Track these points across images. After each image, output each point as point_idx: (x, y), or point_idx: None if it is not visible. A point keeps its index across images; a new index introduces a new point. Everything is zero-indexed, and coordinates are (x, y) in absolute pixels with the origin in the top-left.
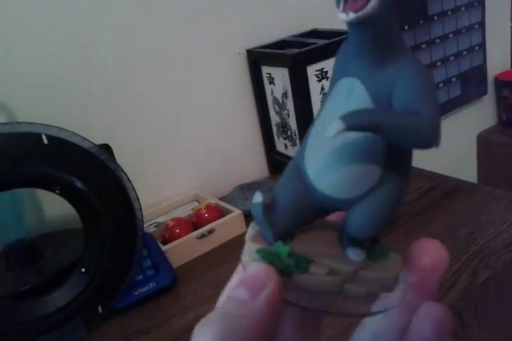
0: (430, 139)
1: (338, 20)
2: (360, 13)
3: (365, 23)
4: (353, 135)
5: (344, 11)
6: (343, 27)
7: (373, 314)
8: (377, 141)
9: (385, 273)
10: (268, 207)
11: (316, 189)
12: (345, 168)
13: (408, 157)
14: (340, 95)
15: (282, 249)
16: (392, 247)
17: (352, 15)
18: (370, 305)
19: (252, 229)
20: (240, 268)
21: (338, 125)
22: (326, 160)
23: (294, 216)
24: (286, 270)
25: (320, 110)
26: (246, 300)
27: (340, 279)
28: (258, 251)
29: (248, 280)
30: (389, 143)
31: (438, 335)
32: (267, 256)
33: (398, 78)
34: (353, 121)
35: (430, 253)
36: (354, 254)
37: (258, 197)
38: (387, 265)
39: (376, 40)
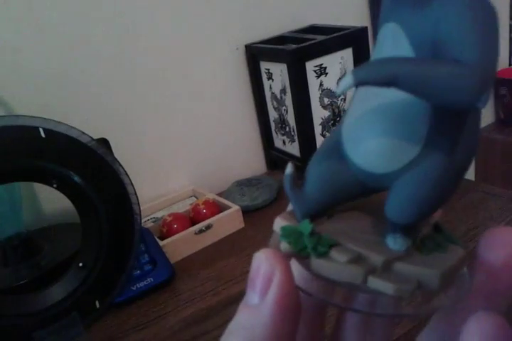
0: (473, 94)
1: (336, 16)
2: None
3: None
4: (391, 96)
5: None
6: (342, 23)
7: (404, 316)
8: (418, 104)
9: (427, 269)
10: (295, 180)
11: (352, 162)
12: (379, 136)
13: (461, 126)
14: (385, 44)
15: (305, 227)
16: (455, 239)
17: None
18: (404, 305)
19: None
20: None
21: (348, 79)
22: (361, 127)
23: (327, 192)
24: (302, 252)
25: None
26: (256, 305)
27: (363, 269)
28: (283, 228)
29: (253, 278)
30: (434, 107)
31: None
32: (288, 235)
33: (443, 15)
34: (363, 75)
35: (505, 245)
36: (394, 242)
37: (289, 168)
38: (438, 259)
39: None
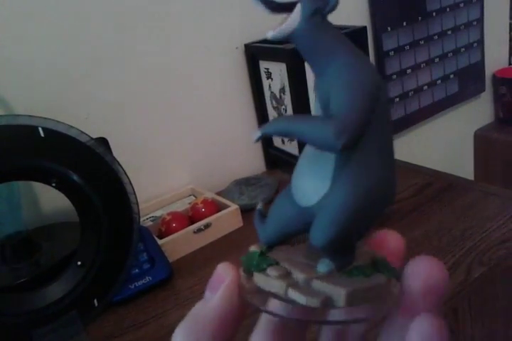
0: (330, 140)
1: (335, 16)
2: (277, 31)
3: (290, 38)
4: (309, 147)
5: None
6: (341, 22)
7: (320, 323)
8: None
9: (336, 287)
10: (262, 215)
11: (293, 199)
12: (304, 176)
13: (363, 160)
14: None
15: (255, 251)
16: (389, 271)
17: (270, 33)
18: (323, 315)
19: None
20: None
21: (256, 132)
22: (296, 170)
23: (279, 226)
24: (248, 269)
25: None
26: (207, 299)
27: (285, 283)
28: (249, 252)
29: (210, 281)
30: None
31: None
32: (246, 257)
33: (332, 83)
34: (266, 129)
35: (422, 273)
36: (321, 265)
37: (260, 205)
38: (354, 281)
39: (307, 51)
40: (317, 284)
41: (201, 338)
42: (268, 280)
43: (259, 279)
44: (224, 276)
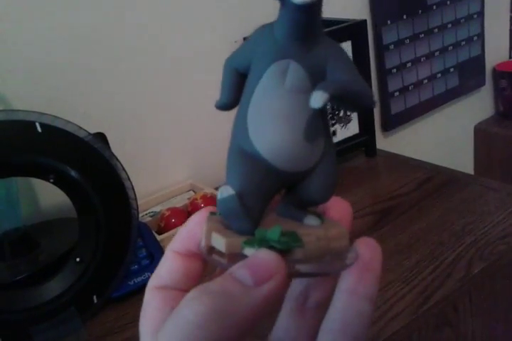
0: (372, 103)
1: (335, 9)
2: None
3: (313, 7)
4: (300, 109)
5: None
6: (341, 16)
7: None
8: (319, 113)
9: (340, 228)
10: (242, 197)
11: (274, 166)
12: (301, 143)
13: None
14: (273, 78)
15: (275, 231)
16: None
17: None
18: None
19: (207, 225)
20: (201, 211)
21: (323, 95)
22: (282, 139)
23: (262, 199)
24: (287, 248)
25: (246, 95)
26: (248, 286)
27: (324, 241)
28: (246, 243)
29: (255, 266)
30: (323, 111)
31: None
32: (260, 244)
33: (330, 54)
34: (332, 90)
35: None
36: (313, 220)
37: (227, 190)
38: (330, 224)
39: (314, 22)
40: (329, 233)
41: (234, 324)
42: (315, 245)
43: (304, 251)
44: (274, 269)
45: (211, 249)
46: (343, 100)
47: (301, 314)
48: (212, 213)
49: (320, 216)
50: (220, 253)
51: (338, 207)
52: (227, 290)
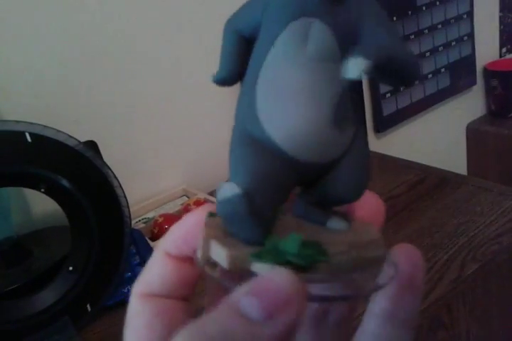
0: (419, 72)
1: None
2: None
3: None
4: (326, 83)
5: None
6: None
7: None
8: (351, 89)
9: (373, 233)
10: (251, 197)
11: (291, 156)
12: (326, 127)
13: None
14: (290, 43)
15: (294, 241)
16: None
17: None
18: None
19: (206, 231)
20: (198, 210)
21: (363, 62)
22: (302, 121)
23: (275, 199)
24: (311, 263)
25: (253, 66)
26: (257, 322)
27: (356, 251)
28: (255, 256)
29: (268, 294)
30: (354, 92)
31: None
32: (274, 257)
33: (364, 11)
34: (375, 57)
35: (364, 205)
36: (339, 223)
37: (231, 188)
38: (360, 228)
39: None
40: (359, 239)
41: None
42: (346, 258)
43: (333, 264)
44: (294, 296)
45: (209, 263)
46: (385, 70)
47: (320, 333)
48: (211, 214)
49: (347, 217)
50: (220, 268)
51: (368, 205)
52: (230, 332)
